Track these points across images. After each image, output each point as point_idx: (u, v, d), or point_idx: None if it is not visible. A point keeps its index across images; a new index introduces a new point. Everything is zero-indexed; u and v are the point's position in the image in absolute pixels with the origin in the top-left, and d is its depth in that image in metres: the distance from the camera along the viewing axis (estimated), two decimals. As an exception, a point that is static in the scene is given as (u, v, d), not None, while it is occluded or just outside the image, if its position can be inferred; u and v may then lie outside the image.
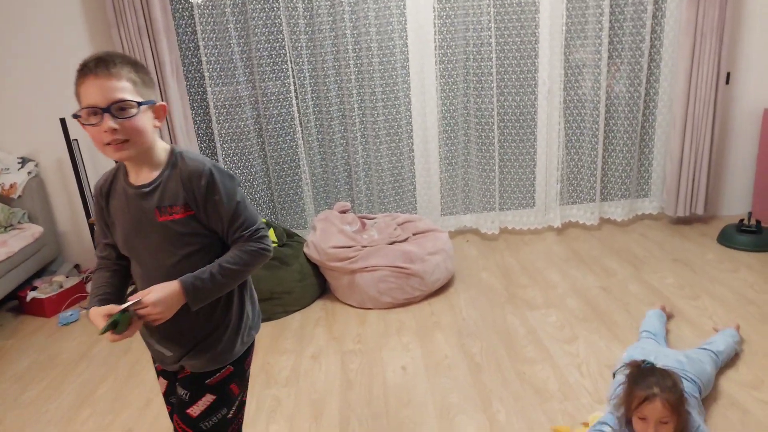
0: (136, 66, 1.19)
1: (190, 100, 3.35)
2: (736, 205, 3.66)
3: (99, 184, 1.31)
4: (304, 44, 3.31)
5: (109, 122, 1.11)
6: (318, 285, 3.00)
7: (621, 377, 1.75)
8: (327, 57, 3.33)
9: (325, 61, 3.33)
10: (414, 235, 3.08)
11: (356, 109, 3.41)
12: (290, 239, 3.06)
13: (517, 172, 3.67)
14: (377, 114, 3.45)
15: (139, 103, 1.15)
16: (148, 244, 1.23)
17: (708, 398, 2.00)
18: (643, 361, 1.68)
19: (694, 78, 3.32)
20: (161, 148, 1.24)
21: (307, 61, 3.34)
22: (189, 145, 3.25)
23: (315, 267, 2.98)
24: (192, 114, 3.35)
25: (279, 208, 3.58)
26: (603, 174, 3.65)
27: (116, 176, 1.29)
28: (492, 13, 3.28)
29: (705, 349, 2.11)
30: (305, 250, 2.97)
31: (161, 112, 1.24)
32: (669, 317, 2.55)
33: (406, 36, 3.36)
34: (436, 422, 2.00)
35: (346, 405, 2.14)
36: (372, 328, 2.70)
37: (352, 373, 2.35)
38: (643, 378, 1.59)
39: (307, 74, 3.36)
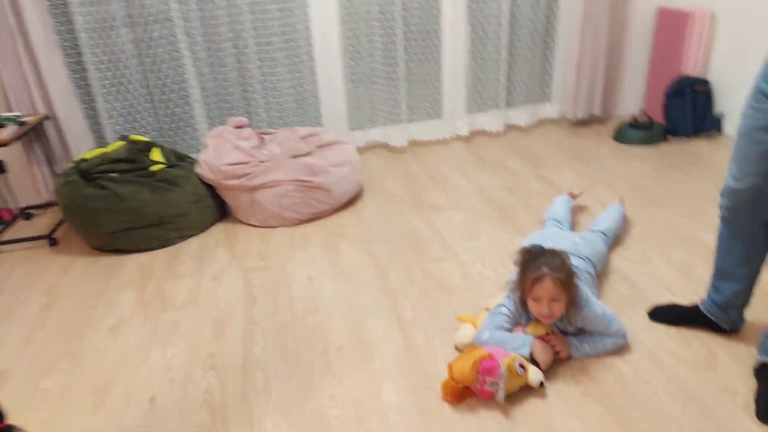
0: None
1: (55, 23, 2.92)
2: (630, 104, 3.79)
3: None
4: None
5: None
6: (216, 207, 2.83)
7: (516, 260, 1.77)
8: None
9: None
10: (318, 148, 2.94)
11: (248, 18, 3.13)
12: (181, 161, 2.83)
13: (424, 83, 3.58)
14: (271, 22, 3.19)
15: None
16: None
17: (601, 275, 2.09)
18: (533, 246, 1.70)
19: (589, -25, 3.31)
20: None
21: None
22: (56, 77, 2.86)
23: (211, 188, 2.79)
24: (58, 40, 2.93)
25: (167, 130, 3.29)
26: (507, 81, 3.63)
27: None
28: None
29: (593, 230, 2.19)
30: (197, 170, 2.76)
31: None
32: (578, 196, 2.62)
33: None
34: (344, 326, 1.96)
35: (249, 320, 2.05)
36: (276, 245, 2.59)
37: (255, 289, 2.25)
38: (533, 261, 1.61)
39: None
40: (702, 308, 1.76)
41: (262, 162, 2.72)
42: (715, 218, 2.40)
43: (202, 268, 2.45)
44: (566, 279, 1.58)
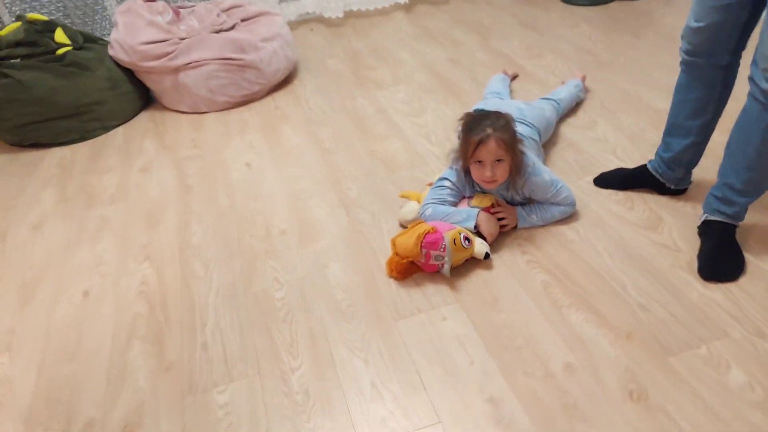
0: None
1: None
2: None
3: None
4: None
5: None
6: (138, 93, 2.57)
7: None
8: None
9: None
10: (243, 21, 2.66)
11: None
12: (91, 43, 2.51)
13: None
14: None
15: None
16: None
17: (548, 143, 2.04)
18: (475, 110, 1.62)
19: None
20: None
21: None
22: None
23: (129, 72, 2.51)
24: None
25: (72, 9, 2.89)
26: (449, -60, 3.32)
27: None
28: None
29: (547, 98, 2.11)
30: (110, 51, 2.46)
31: None
32: (513, 78, 2.52)
33: None
34: (286, 210, 1.88)
35: (184, 209, 1.93)
36: (210, 132, 2.41)
37: (190, 179, 2.10)
38: (476, 123, 1.53)
39: None
40: (649, 167, 1.75)
41: (182, 39, 2.44)
42: (664, 83, 2.35)
43: (130, 161, 2.26)
44: (510, 140, 1.52)
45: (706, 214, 1.56)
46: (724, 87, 1.52)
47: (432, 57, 2.82)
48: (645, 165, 1.77)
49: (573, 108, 2.26)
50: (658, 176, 1.73)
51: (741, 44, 1.45)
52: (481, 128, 1.51)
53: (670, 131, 1.67)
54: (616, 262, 1.53)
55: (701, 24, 1.42)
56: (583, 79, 2.35)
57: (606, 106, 2.26)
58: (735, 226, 1.53)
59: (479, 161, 1.53)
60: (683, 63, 1.55)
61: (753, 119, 1.37)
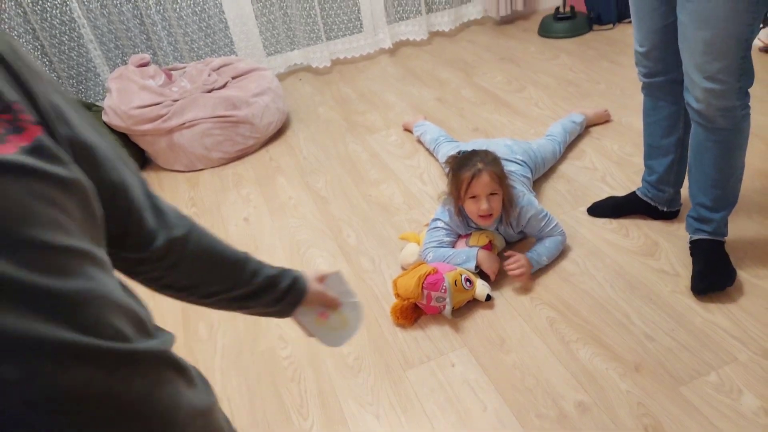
0: None
1: None
2: (552, -3, 3.69)
3: None
4: None
5: None
6: (133, 156, 2.61)
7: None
8: None
9: None
10: (234, 78, 2.72)
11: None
12: (85, 110, 2.56)
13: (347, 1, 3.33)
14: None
15: None
16: None
17: (539, 176, 2.08)
18: (459, 151, 1.67)
19: None
20: None
21: None
22: None
23: (124, 136, 2.56)
24: None
25: (66, 79, 2.96)
26: (426, -16, 3.44)
27: None
28: None
29: (546, 136, 2.16)
30: (104, 118, 2.51)
31: None
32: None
33: None
34: (287, 260, 1.89)
35: (187, 271, 1.95)
36: (207, 188, 2.44)
37: (190, 238, 2.12)
38: (466, 160, 1.59)
39: None
40: (639, 193, 1.79)
41: (175, 101, 2.50)
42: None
43: (129, 224, 2.28)
44: (501, 173, 1.59)
45: (690, 235, 1.59)
46: None
47: (419, 97, 2.89)
48: (634, 192, 1.81)
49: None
50: (649, 200, 1.76)
51: None
52: (472, 164, 1.56)
53: (649, 155, 1.71)
54: (618, 292, 1.55)
55: (646, 48, 1.51)
56: (584, 113, 2.32)
57: (592, 134, 2.31)
58: (721, 242, 1.55)
59: (473, 196, 1.57)
60: (644, 87, 1.63)
61: (701, 140, 1.45)
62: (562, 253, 1.71)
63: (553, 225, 1.68)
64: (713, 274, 1.50)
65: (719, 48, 1.29)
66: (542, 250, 1.66)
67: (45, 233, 0.43)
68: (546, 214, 1.67)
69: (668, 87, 1.56)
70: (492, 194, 1.56)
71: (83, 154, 0.50)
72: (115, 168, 0.55)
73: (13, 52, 0.48)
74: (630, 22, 3.23)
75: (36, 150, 0.44)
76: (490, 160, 1.58)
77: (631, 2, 1.50)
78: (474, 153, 1.61)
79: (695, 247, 1.57)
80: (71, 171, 0.46)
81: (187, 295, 0.71)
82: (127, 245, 0.60)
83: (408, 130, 2.55)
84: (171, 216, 0.65)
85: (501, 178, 1.57)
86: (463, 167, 1.58)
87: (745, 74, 1.33)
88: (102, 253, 0.49)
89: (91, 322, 0.43)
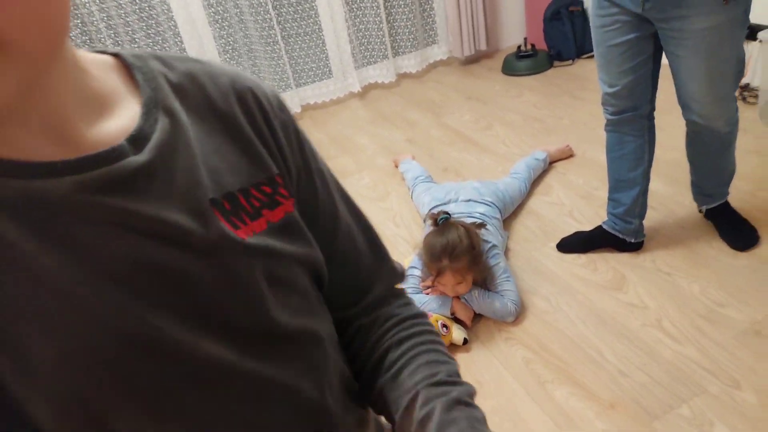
0: None
1: None
2: (514, 34, 3.82)
3: None
4: None
5: None
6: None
7: (428, 224, 1.77)
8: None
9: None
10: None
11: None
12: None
13: (306, 42, 3.41)
14: (124, 8, 2.88)
15: None
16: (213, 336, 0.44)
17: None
18: (440, 213, 1.68)
19: None
20: (89, 59, 0.43)
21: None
22: None
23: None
24: None
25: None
26: (390, 28, 3.54)
27: None
28: None
29: (511, 174, 2.22)
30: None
31: None
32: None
33: None
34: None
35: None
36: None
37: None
38: (434, 250, 1.57)
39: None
40: (606, 227, 1.84)
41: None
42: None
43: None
44: (470, 263, 1.57)
45: (702, 206, 1.83)
46: (650, 131, 1.67)
47: (390, 139, 2.95)
48: (601, 225, 1.86)
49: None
50: (616, 233, 1.81)
51: (655, 89, 1.61)
52: (438, 258, 1.55)
53: (616, 188, 1.78)
54: (590, 328, 1.58)
55: (617, 88, 1.57)
56: (546, 151, 2.38)
57: (558, 169, 2.37)
58: (727, 202, 1.79)
59: (441, 284, 1.61)
60: (610, 124, 1.70)
61: (704, 143, 1.64)
62: (535, 290, 1.74)
63: (510, 287, 1.65)
64: (741, 230, 1.75)
65: (725, 70, 1.43)
66: (486, 308, 1.64)
67: (273, 314, 0.45)
68: (508, 274, 1.69)
69: (636, 122, 1.63)
70: (458, 284, 1.59)
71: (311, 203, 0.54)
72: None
73: (278, 103, 0.51)
74: (590, 56, 3.36)
75: (283, 228, 0.46)
76: (458, 252, 1.53)
77: (596, 46, 1.56)
78: (444, 240, 1.56)
79: (712, 213, 1.81)
80: (308, 245, 0.49)
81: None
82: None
83: (396, 165, 2.59)
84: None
85: (468, 268, 1.56)
86: (431, 258, 1.57)
87: (738, 79, 1.48)
88: (322, 323, 0.52)
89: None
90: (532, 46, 3.38)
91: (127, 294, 0.38)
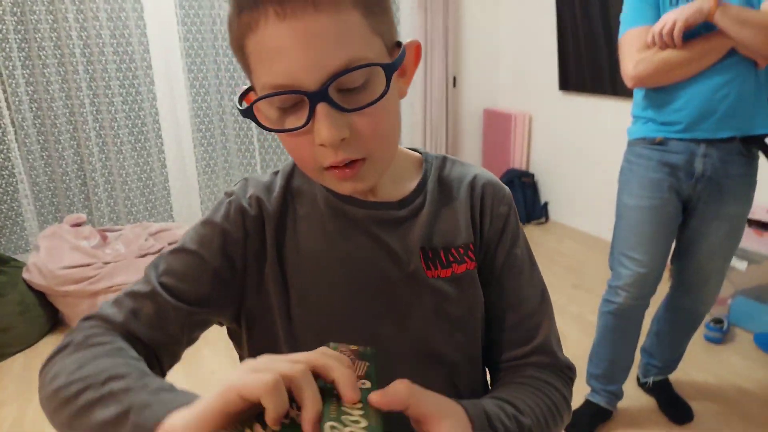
0: None
1: None
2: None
3: (253, 200, 0.65)
4: (15, 45, 2.72)
5: (331, 126, 0.52)
6: (46, 317, 2.48)
7: None
8: (49, 61, 2.79)
9: (47, 66, 2.79)
10: (170, 245, 2.76)
11: (89, 111, 2.93)
12: (4, 265, 2.46)
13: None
14: (116, 113, 3.02)
15: (387, 67, 0.54)
16: (394, 327, 0.65)
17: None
18: None
19: (429, 81, 3.68)
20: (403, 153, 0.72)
21: (21, 65, 2.75)
22: None
23: (41, 295, 2.45)
24: None
25: (-13, 229, 2.87)
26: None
27: (297, 190, 0.68)
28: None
29: None
30: (25, 275, 2.42)
31: (413, 61, 0.61)
32: None
33: (145, 26, 3.01)
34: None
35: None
36: (123, 356, 2.32)
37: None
38: None
39: (22, 80, 2.77)
40: (606, 406, 1.78)
41: (106, 263, 2.47)
42: (555, 300, 2.66)
43: (28, 394, 2.09)
44: None
45: (645, 378, 1.91)
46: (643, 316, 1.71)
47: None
48: (598, 405, 1.79)
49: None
50: (609, 408, 1.79)
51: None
52: None
53: (614, 369, 1.74)
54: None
55: (650, 268, 1.56)
56: None
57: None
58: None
59: None
60: (618, 313, 1.64)
61: (687, 329, 1.75)
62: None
63: None
64: (678, 404, 1.84)
65: (734, 252, 1.62)
66: None
67: (428, 334, 0.66)
68: None
69: (645, 309, 1.66)
70: None
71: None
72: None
73: (501, 197, 0.73)
74: (539, 223, 3.69)
75: (460, 278, 0.67)
76: None
77: (641, 223, 1.56)
78: None
79: (657, 386, 1.88)
80: (475, 296, 0.69)
81: None
82: None
83: None
84: None
85: None
86: None
87: None
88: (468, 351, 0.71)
89: None
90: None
91: (367, 273, 0.65)
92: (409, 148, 0.73)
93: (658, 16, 1.45)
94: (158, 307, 0.60)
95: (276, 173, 0.70)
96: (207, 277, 0.62)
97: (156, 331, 0.60)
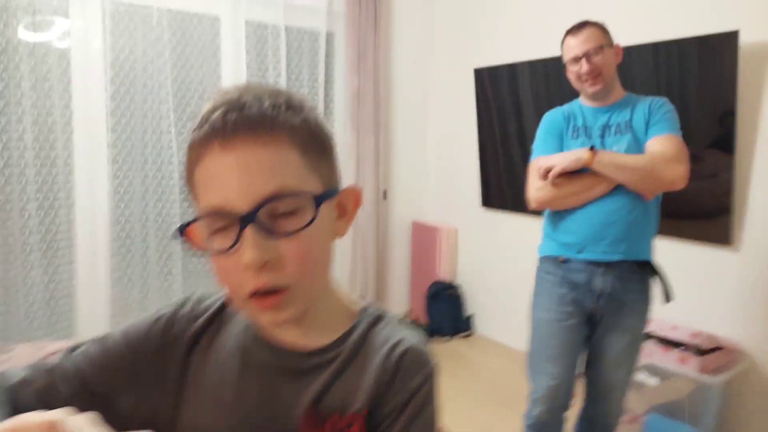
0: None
1: None
2: (398, 304, 4.18)
3: (186, 315, 0.72)
4: None
5: (255, 247, 0.57)
6: None
7: None
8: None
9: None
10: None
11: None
12: None
13: (205, 278, 3.49)
14: (28, 219, 2.88)
15: (317, 197, 0.61)
16: None
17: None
18: None
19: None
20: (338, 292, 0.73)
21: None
22: None
23: None
24: None
25: None
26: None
27: (227, 318, 0.72)
28: (172, 115, 3.19)
29: None
30: None
31: (353, 204, 0.71)
32: None
33: (72, 131, 2.97)
34: None
35: None
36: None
37: None
38: None
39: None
40: None
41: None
42: (477, 418, 2.63)
43: None
44: None
45: None
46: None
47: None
48: None
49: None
50: None
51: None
52: None
53: None
54: None
55: (558, 381, 1.64)
56: None
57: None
58: None
59: None
60: (537, 425, 1.69)
61: (599, 429, 1.73)
62: None
63: None
64: None
65: (635, 364, 1.69)
66: None
67: None
68: None
69: (561, 419, 1.71)
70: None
71: None
72: None
73: (416, 369, 0.68)
74: (466, 335, 3.70)
75: None
76: None
77: (550, 336, 1.65)
78: None
79: None
80: None
81: None
82: None
83: None
84: None
85: None
86: None
87: None
88: None
89: None
90: (414, 319, 3.69)
91: (252, 418, 0.65)
92: (359, 299, 0.75)
93: (562, 147, 1.63)
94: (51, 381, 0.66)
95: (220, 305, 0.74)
96: (114, 367, 0.68)
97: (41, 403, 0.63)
